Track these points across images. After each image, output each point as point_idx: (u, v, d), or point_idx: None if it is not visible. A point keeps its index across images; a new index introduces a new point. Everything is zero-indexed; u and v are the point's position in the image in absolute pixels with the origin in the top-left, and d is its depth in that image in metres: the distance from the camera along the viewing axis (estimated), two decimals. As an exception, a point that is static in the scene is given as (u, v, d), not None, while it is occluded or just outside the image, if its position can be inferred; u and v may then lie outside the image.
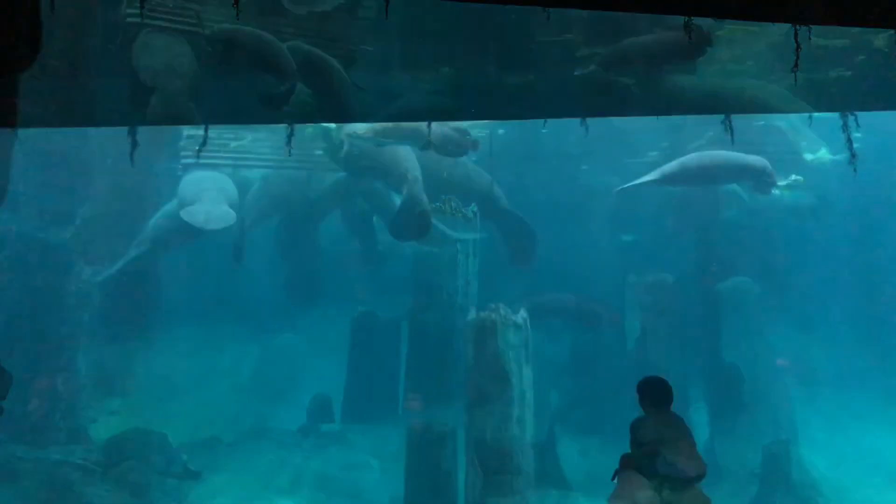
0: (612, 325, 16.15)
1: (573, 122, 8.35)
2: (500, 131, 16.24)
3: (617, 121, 14.42)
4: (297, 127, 7.46)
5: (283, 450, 13.10)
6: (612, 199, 14.57)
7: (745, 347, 15.11)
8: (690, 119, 14.53)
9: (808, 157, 17.12)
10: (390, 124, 10.47)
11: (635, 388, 5.38)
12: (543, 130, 15.38)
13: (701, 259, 16.65)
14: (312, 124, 12.30)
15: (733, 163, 13.02)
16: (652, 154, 17.40)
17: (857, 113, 7.46)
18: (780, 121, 15.65)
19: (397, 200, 13.97)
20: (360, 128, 10.99)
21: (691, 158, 13.34)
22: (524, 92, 5.95)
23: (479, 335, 11.47)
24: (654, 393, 5.46)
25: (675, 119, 14.90)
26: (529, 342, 11.73)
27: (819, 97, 6.78)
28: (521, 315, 11.75)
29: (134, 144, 6.31)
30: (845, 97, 6.68)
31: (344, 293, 16.36)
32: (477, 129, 15.52)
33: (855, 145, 15.74)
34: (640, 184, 13.52)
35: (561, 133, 15.32)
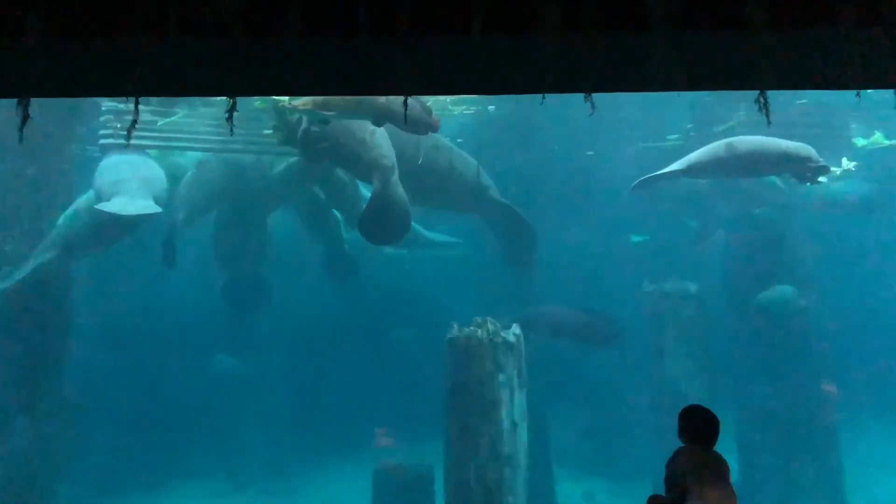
0: (621, 343, 15.96)
1: (577, 98, 8.42)
2: (490, 108, 15.98)
3: (630, 96, 14.25)
4: (242, 100, 6.85)
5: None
6: (624, 192, 14.28)
7: (788, 372, 14.90)
8: (717, 95, 14.53)
9: (860, 141, 16.95)
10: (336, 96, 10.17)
11: (676, 417, 5.25)
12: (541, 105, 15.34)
13: (732, 265, 16.48)
14: (260, 96, 12.01)
15: (772, 150, 12.92)
16: (672, 138, 17.43)
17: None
18: (827, 98, 15.29)
19: (366, 193, 13.66)
20: (298, 100, 10.61)
21: (720, 146, 13.21)
22: (517, 58, 5.61)
23: (461, 356, 11.19)
24: (697, 425, 5.31)
25: (701, 95, 14.90)
26: (523, 364, 11.51)
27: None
28: (514, 331, 11.53)
29: (24, 118, 5.79)
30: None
31: (297, 306, 15.92)
32: (463, 105, 15.37)
33: None
34: (661, 175, 13.31)
35: (562, 112, 15.10)
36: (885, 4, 3.55)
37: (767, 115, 3.99)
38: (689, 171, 13.23)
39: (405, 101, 5.44)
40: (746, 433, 14.79)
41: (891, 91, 6.50)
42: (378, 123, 11.02)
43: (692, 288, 16.13)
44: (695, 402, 6.05)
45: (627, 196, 14.51)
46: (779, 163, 13.13)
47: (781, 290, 15.62)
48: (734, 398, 14.91)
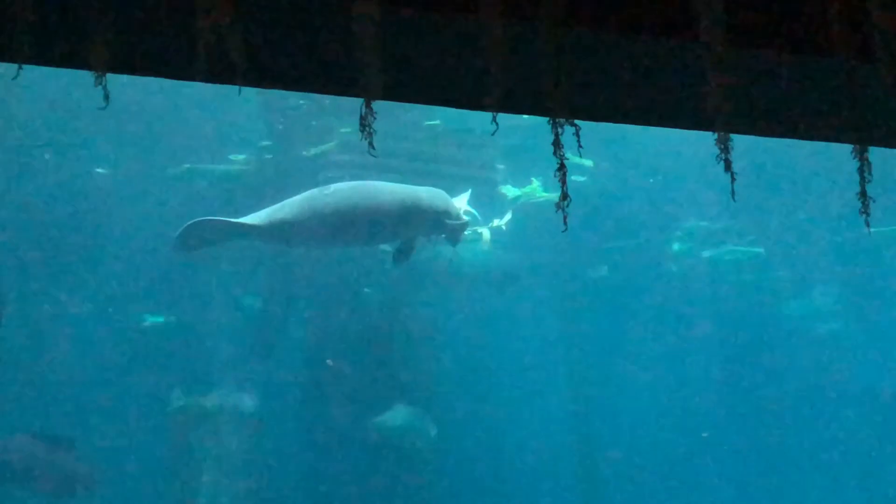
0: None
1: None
2: None
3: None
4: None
5: None
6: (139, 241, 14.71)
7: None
8: (312, 100, 15.54)
9: (511, 191, 18.39)
10: None
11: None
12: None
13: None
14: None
15: (395, 203, 13.66)
16: (237, 159, 18.01)
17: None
18: (469, 119, 16.23)
19: None
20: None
21: (317, 197, 13.85)
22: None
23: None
24: None
25: (287, 97, 15.61)
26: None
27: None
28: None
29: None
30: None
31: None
32: None
33: (578, 179, 18.58)
34: (223, 225, 13.56)
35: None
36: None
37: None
38: (268, 229, 13.59)
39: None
40: None
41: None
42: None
43: (248, 402, 16.94)
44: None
45: (147, 250, 15.47)
46: (406, 220, 13.76)
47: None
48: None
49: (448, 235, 13.83)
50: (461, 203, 14.35)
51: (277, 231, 13.62)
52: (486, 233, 16.87)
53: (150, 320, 19.30)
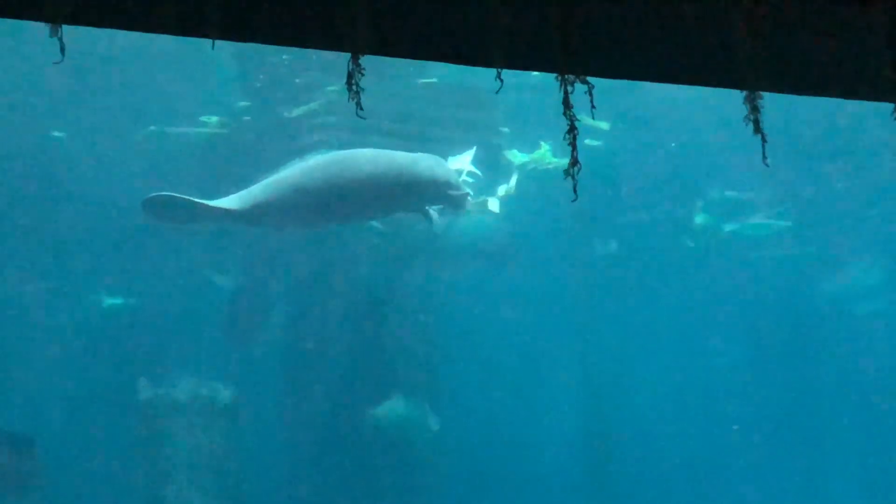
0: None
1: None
2: None
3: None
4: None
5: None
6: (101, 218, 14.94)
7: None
8: (296, 53, 15.42)
9: (518, 157, 18.41)
10: None
11: None
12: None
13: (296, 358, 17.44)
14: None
15: (390, 173, 13.75)
16: (210, 121, 18.00)
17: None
18: (472, 77, 16.22)
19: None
20: None
21: (299, 173, 13.81)
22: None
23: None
24: None
25: (265, 53, 15.67)
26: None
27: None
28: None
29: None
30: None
31: None
32: None
33: (592, 143, 18.59)
34: (191, 204, 13.44)
35: None
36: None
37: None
38: (246, 214, 13.67)
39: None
40: None
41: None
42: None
43: (223, 392, 17.27)
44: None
45: (108, 226, 15.71)
46: (400, 193, 13.93)
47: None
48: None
49: (449, 206, 13.97)
50: (464, 163, 14.55)
51: (257, 215, 13.64)
52: (492, 202, 16.90)
53: (109, 302, 19.38)
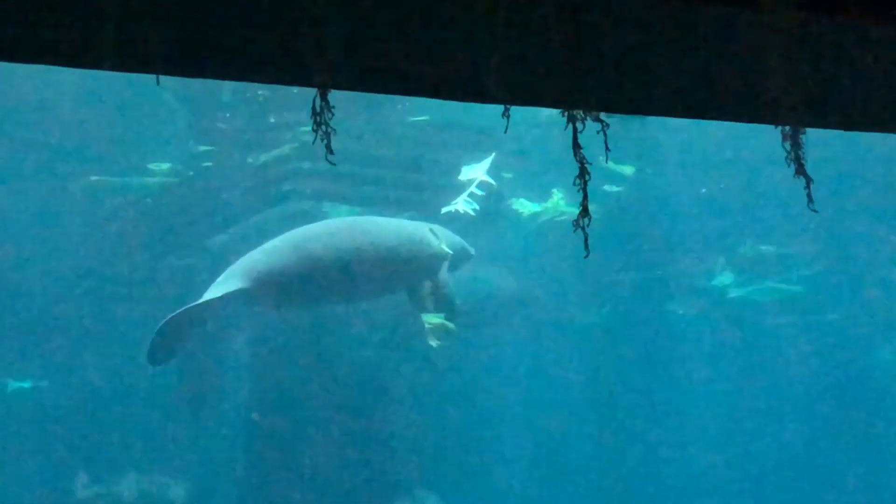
0: None
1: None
2: None
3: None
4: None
5: None
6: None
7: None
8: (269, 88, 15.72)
9: (524, 206, 18.93)
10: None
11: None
12: None
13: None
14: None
15: (402, 249, 14.46)
16: (160, 168, 18.21)
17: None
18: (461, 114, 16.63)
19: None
20: None
21: (304, 238, 14.33)
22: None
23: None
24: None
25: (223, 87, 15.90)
26: None
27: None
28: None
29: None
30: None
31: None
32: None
33: (612, 189, 18.69)
34: (198, 309, 14.02)
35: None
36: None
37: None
38: (257, 289, 14.03)
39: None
40: None
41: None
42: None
43: (175, 489, 17.80)
44: None
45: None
46: (416, 268, 14.63)
47: None
48: None
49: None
50: (480, 172, 15.18)
51: (266, 288, 14.01)
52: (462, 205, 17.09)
53: (14, 385, 19.48)
